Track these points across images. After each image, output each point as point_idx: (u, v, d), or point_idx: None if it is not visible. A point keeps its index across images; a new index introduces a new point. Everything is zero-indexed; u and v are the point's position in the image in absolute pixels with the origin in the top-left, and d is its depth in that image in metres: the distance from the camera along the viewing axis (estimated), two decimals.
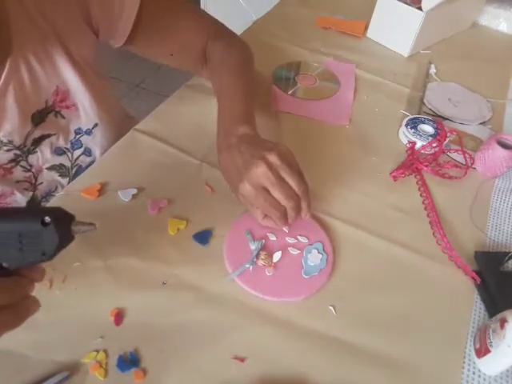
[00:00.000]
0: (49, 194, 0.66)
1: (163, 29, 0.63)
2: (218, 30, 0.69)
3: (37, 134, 0.58)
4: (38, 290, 0.46)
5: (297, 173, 0.49)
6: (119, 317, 0.46)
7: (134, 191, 0.58)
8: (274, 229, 0.55)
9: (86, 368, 0.42)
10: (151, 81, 2.10)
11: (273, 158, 0.48)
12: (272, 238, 0.55)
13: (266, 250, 0.53)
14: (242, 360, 0.44)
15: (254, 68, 0.69)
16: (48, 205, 0.55)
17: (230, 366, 0.44)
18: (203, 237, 0.54)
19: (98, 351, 0.43)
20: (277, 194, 0.48)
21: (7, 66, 0.50)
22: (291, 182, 0.48)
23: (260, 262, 0.51)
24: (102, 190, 0.57)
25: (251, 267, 0.51)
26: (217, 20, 0.70)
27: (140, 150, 0.64)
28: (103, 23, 0.57)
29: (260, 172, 0.47)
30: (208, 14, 0.69)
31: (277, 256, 0.52)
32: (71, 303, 0.46)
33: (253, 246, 0.53)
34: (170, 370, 0.43)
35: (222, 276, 0.51)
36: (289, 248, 0.54)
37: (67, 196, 0.56)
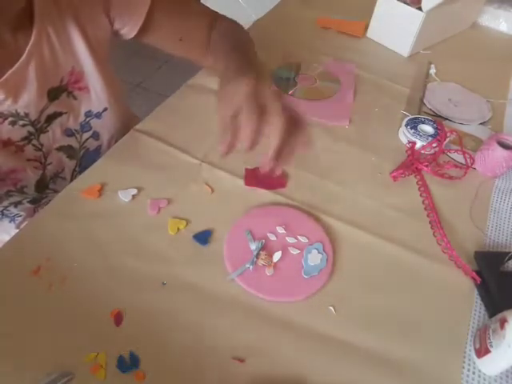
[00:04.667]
0: (56, 175, 0.67)
1: (174, 13, 0.66)
2: (219, 17, 0.72)
3: (50, 110, 0.60)
4: (39, 291, 0.47)
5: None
6: (119, 317, 0.46)
7: (134, 191, 0.58)
8: (274, 228, 0.55)
9: (86, 368, 0.42)
10: (151, 81, 2.10)
11: (279, 98, 0.49)
12: (272, 237, 0.55)
13: (266, 249, 0.53)
14: (241, 360, 0.44)
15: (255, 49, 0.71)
16: (49, 205, 0.55)
17: (229, 365, 0.44)
18: (203, 237, 0.54)
19: (97, 352, 0.43)
20: (273, 102, 0.48)
21: (32, 38, 0.53)
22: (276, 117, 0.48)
23: (260, 262, 0.51)
24: (102, 189, 0.57)
25: (251, 267, 0.51)
26: (217, 12, 0.73)
27: (140, 150, 0.64)
28: (120, 11, 0.60)
29: (268, 88, 0.48)
30: (209, 7, 0.72)
31: (277, 256, 0.52)
32: (71, 303, 0.46)
33: (253, 246, 0.53)
34: (169, 370, 0.43)
35: (222, 276, 0.50)
36: (289, 248, 0.54)
37: (67, 196, 0.56)
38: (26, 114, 0.57)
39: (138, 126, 0.67)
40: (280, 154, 0.49)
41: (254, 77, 0.49)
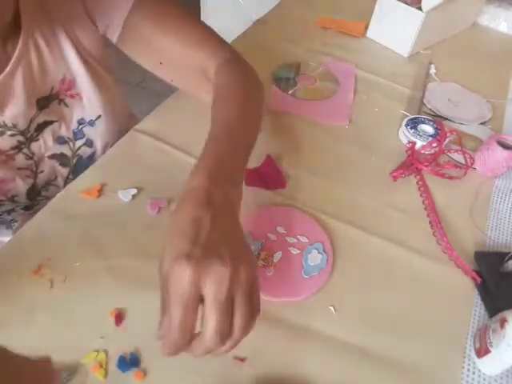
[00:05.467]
0: (48, 183, 0.66)
1: (156, 32, 0.59)
2: (229, 55, 0.60)
3: (40, 119, 0.58)
4: (39, 290, 0.47)
5: (250, 315, 0.36)
6: (119, 317, 0.46)
7: (134, 191, 0.58)
8: (274, 228, 0.55)
9: (86, 368, 0.42)
10: (151, 81, 2.10)
11: (243, 277, 0.35)
12: (272, 237, 0.55)
13: (266, 249, 0.53)
14: (242, 360, 0.44)
15: (263, 104, 0.58)
16: (49, 205, 0.55)
17: (229, 365, 0.44)
18: None
19: (98, 351, 0.43)
20: (211, 315, 0.34)
21: (18, 47, 0.52)
22: (239, 320, 0.35)
23: (260, 262, 0.51)
24: (102, 190, 0.57)
25: None
26: (231, 47, 0.62)
27: (140, 150, 0.64)
28: (98, 15, 0.57)
29: (220, 274, 0.34)
30: (221, 38, 0.62)
31: (277, 256, 0.52)
32: (71, 303, 0.46)
33: (253, 246, 0.53)
34: (170, 370, 0.43)
35: None
36: (289, 248, 0.54)
37: (67, 196, 0.56)
38: (14, 125, 0.55)
39: (137, 126, 0.67)
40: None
41: (233, 255, 0.35)
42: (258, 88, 0.59)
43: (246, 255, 0.37)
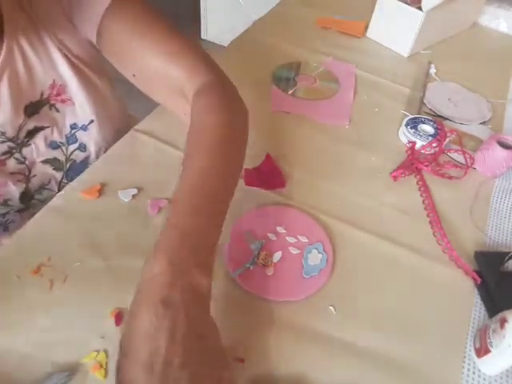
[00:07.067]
0: (42, 187, 0.65)
1: (130, 39, 0.53)
2: (211, 76, 0.53)
3: (30, 125, 0.58)
4: (39, 290, 0.47)
5: None
6: (119, 317, 0.46)
7: (134, 191, 0.58)
8: (274, 228, 0.55)
9: (86, 368, 0.42)
10: None
11: None
12: (272, 237, 0.55)
13: (266, 249, 0.53)
14: (241, 360, 0.44)
15: (245, 136, 0.52)
16: (49, 205, 0.55)
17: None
18: None
19: (98, 351, 0.43)
20: None
21: (2, 53, 0.51)
22: None
23: (260, 262, 0.52)
24: (102, 190, 0.57)
25: (251, 267, 0.51)
26: (216, 67, 0.55)
27: (140, 150, 0.64)
28: (75, 14, 0.54)
29: None
30: (207, 56, 0.55)
31: (277, 256, 0.52)
32: (71, 303, 0.46)
33: (253, 246, 0.53)
34: None
35: (222, 276, 0.51)
36: (289, 248, 0.54)
37: (67, 196, 0.56)
38: (3, 133, 0.55)
39: (137, 126, 0.67)
40: None
41: (193, 376, 0.32)
42: (241, 117, 0.52)
43: (211, 369, 0.34)
